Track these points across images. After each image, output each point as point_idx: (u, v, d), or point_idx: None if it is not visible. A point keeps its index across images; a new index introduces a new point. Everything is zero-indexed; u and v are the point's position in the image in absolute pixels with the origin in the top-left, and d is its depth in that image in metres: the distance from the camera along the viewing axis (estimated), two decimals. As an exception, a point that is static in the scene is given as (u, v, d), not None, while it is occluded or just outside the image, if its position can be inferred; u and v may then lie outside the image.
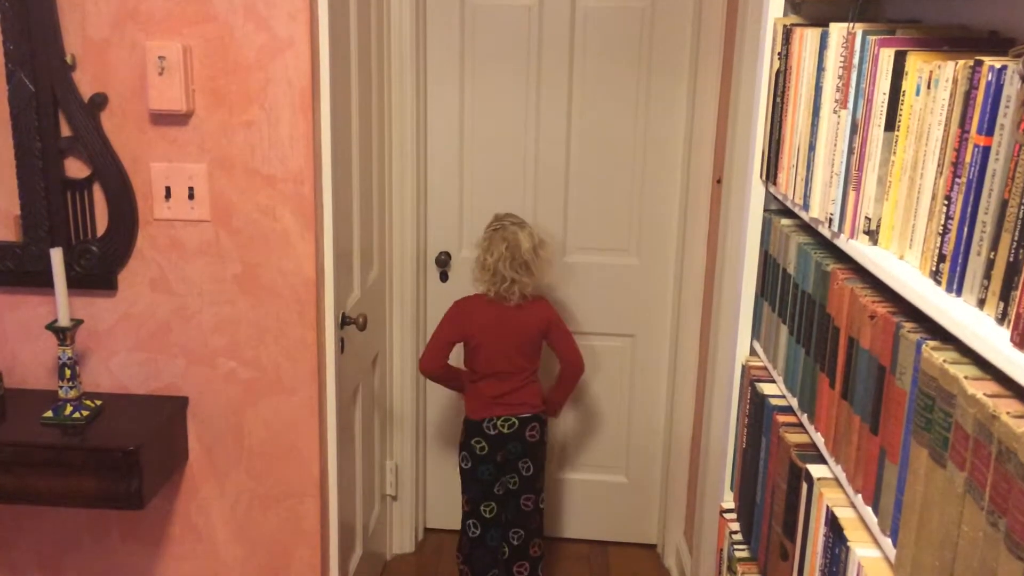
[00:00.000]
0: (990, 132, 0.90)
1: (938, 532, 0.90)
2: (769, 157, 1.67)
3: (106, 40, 1.93)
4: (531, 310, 2.58)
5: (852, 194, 1.23)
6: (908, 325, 1.04)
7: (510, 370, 2.55)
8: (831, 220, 1.31)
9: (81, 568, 2.23)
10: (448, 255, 2.98)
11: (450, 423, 3.09)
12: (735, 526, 1.78)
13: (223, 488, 2.17)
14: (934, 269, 1.00)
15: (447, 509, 3.17)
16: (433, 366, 2.60)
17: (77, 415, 1.95)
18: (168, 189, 2.00)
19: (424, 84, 2.85)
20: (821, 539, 1.24)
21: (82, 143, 1.97)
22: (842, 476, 1.22)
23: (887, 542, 1.06)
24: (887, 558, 1.07)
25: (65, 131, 1.97)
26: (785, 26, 1.57)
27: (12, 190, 1.99)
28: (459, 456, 2.64)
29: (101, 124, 1.97)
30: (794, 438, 1.41)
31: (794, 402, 1.47)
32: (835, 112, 1.31)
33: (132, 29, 1.92)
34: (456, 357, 2.64)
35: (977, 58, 0.93)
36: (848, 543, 1.14)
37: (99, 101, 1.95)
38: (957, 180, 0.96)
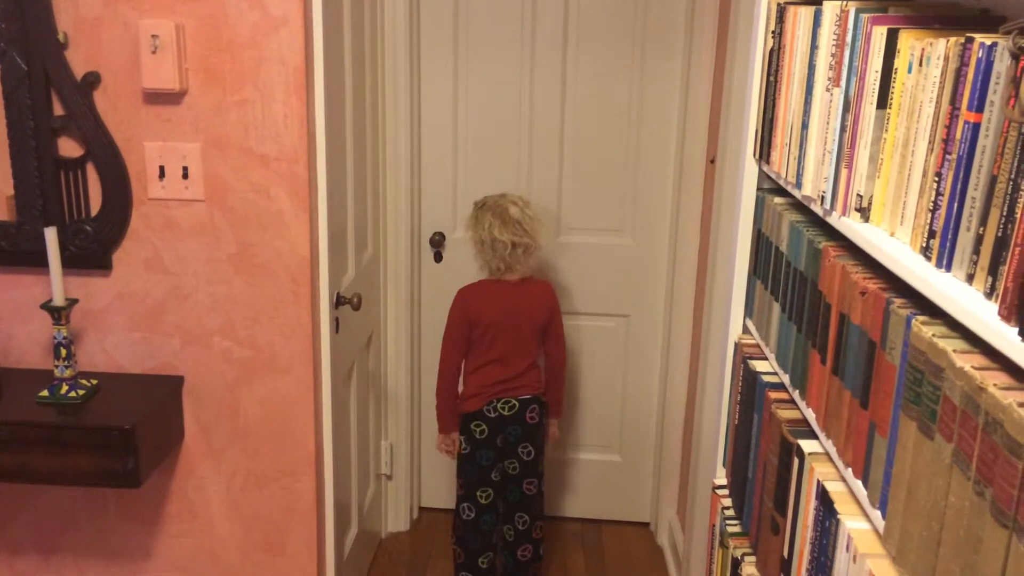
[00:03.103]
0: (980, 109, 0.91)
1: (926, 503, 0.92)
2: (762, 136, 1.67)
3: (98, 18, 1.92)
4: (537, 290, 2.59)
5: (844, 172, 1.24)
6: (898, 301, 1.05)
7: (516, 355, 2.54)
8: (823, 198, 1.32)
9: (78, 546, 2.25)
10: (442, 235, 2.99)
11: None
12: (727, 502, 1.79)
13: (219, 466, 2.18)
14: (924, 245, 1.01)
15: (442, 488, 3.20)
16: (454, 363, 2.57)
17: (73, 394, 1.96)
18: (162, 168, 2.00)
19: (418, 64, 2.85)
20: (812, 513, 1.25)
21: (75, 122, 1.97)
22: (832, 450, 1.24)
23: (876, 514, 1.08)
24: (876, 530, 1.08)
25: (58, 110, 1.97)
26: (779, 4, 1.58)
27: (5, 169, 1.99)
28: (458, 440, 2.62)
29: (94, 103, 1.96)
30: (786, 414, 1.43)
31: (786, 379, 1.48)
32: (828, 90, 1.31)
33: (124, 7, 1.91)
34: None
35: (968, 35, 0.94)
36: (838, 516, 1.15)
37: (92, 80, 1.95)
38: (947, 157, 0.97)
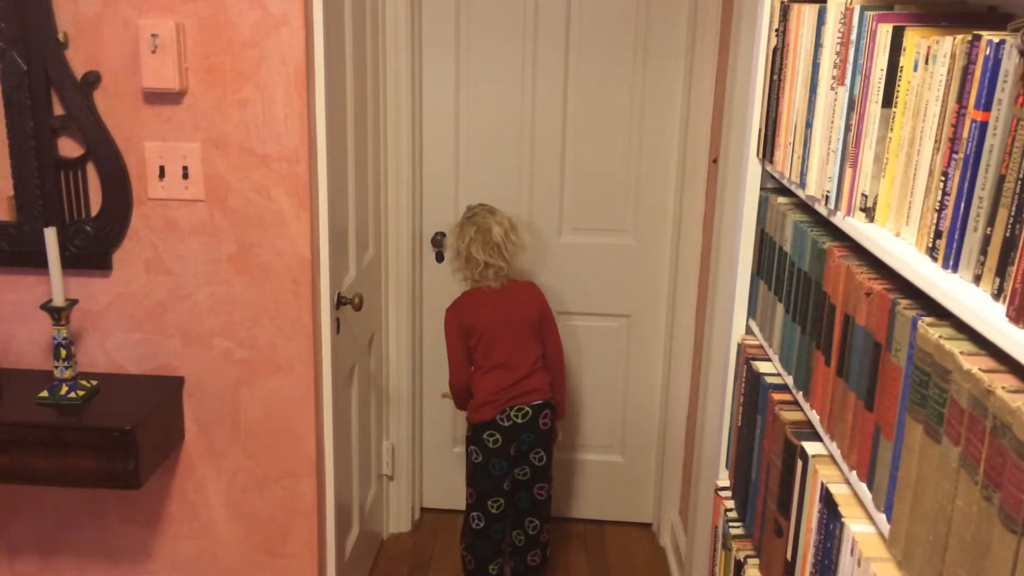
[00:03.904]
0: (988, 107, 0.90)
1: (932, 507, 0.90)
2: (766, 135, 1.66)
3: (98, 17, 1.91)
4: (523, 291, 2.59)
5: (849, 171, 1.23)
6: (904, 302, 1.04)
7: (518, 357, 2.52)
8: (827, 198, 1.31)
9: (79, 547, 2.24)
10: (444, 235, 2.97)
11: (447, 404, 3.10)
12: (730, 504, 1.78)
13: (220, 467, 2.17)
14: (930, 246, 1.00)
15: (443, 489, 3.19)
16: (463, 377, 2.58)
17: (73, 395, 1.95)
18: (162, 168, 1.99)
19: (420, 63, 2.84)
20: (816, 516, 1.24)
21: (75, 122, 1.96)
22: (837, 453, 1.23)
23: (881, 518, 1.06)
24: (881, 534, 1.07)
25: (58, 110, 1.96)
26: (783, 2, 1.56)
27: (5, 170, 1.98)
28: (467, 450, 2.59)
29: (94, 103, 1.96)
30: (789, 416, 1.41)
31: (789, 380, 1.47)
32: (832, 89, 1.30)
33: (124, 6, 1.90)
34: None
35: (975, 33, 0.92)
36: (843, 519, 1.14)
37: (92, 79, 1.94)
38: (954, 156, 0.96)
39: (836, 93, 1.28)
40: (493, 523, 2.60)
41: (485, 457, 2.54)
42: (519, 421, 2.52)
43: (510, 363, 2.52)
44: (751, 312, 1.78)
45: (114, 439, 1.87)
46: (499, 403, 2.51)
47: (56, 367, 1.96)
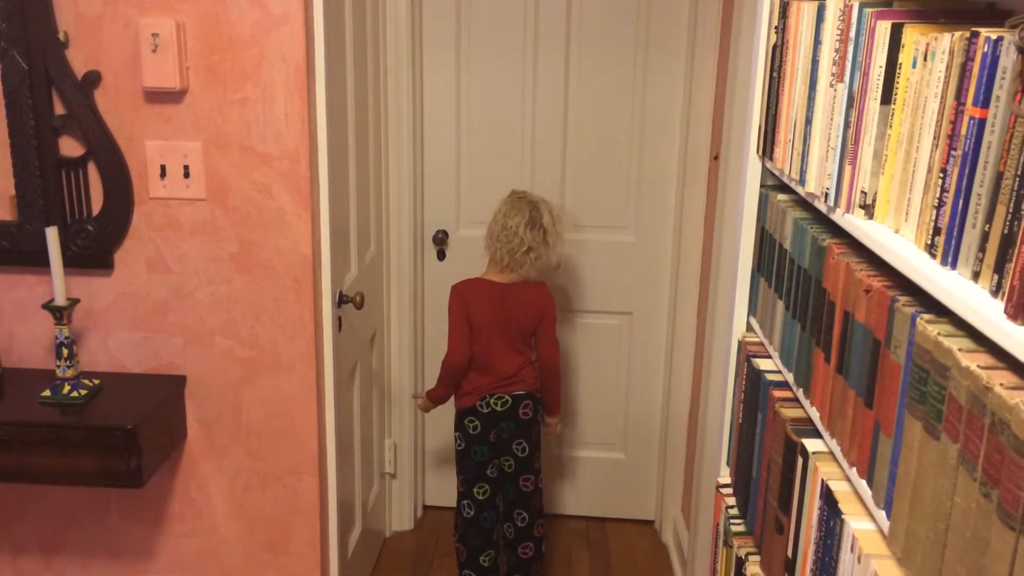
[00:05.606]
0: (986, 104, 0.90)
1: (931, 504, 0.91)
2: (766, 132, 1.66)
3: (99, 16, 1.92)
4: (530, 295, 2.55)
5: (848, 168, 1.23)
6: (903, 299, 1.04)
7: (507, 357, 2.52)
8: (827, 195, 1.31)
9: (81, 546, 2.25)
10: (445, 233, 2.98)
11: (448, 402, 3.10)
12: (731, 501, 1.79)
13: (222, 466, 2.18)
14: (929, 242, 1.00)
15: (446, 487, 3.19)
16: (464, 354, 2.53)
17: (75, 394, 1.96)
18: (163, 167, 1.99)
19: (420, 61, 2.84)
20: (816, 512, 1.24)
21: (76, 121, 1.96)
22: (837, 450, 1.23)
23: (881, 514, 1.06)
24: (881, 530, 1.07)
25: (59, 109, 1.96)
26: (782, 0, 1.56)
27: (6, 169, 1.98)
28: (454, 436, 2.64)
29: (95, 102, 1.96)
30: (790, 413, 1.42)
31: (790, 377, 1.47)
32: (831, 86, 1.30)
33: (125, 5, 1.91)
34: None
35: (973, 29, 0.92)
36: (843, 516, 1.14)
37: (93, 79, 1.94)
38: (953, 153, 0.96)
39: (835, 90, 1.28)
40: (482, 511, 2.62)
41: (467, 444, 2.58)
42: (498, 409, 2.53)
43: (497, 365, 2.53)
44: (752, 309, 1.78)
45: (116, 438, 1.87)
46: (480, 392, 2.54)
47: (58, 366, 1.96)
